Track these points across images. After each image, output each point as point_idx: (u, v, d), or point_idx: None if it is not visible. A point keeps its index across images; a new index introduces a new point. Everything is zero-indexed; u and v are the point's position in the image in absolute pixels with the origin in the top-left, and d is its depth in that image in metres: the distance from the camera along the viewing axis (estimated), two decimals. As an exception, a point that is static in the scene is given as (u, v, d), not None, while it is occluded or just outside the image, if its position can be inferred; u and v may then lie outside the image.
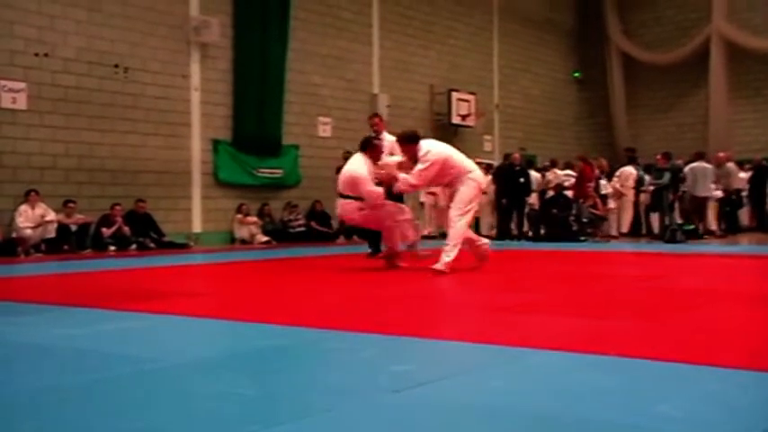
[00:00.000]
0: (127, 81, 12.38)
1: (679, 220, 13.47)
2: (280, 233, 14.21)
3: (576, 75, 23.08)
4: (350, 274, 7.55)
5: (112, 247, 11.74)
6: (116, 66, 12.24)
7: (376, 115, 9.69)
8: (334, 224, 14.56)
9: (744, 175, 15.87)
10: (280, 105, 14.59)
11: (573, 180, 14.56)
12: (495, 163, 18.28)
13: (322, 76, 15.54)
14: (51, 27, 11.55)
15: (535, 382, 2.68)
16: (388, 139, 8.99)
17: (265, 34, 14.28)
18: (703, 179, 13.87)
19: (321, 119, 15.54)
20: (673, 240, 12.40)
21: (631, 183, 14.89)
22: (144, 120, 12.63)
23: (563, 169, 15.44)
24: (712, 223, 14.74)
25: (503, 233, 14.35)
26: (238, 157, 14.03)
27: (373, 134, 9.12)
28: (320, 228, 14.65)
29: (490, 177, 15.67)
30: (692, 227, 13.49)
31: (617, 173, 15.40)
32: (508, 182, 14.33)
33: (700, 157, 14.26)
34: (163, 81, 12.91)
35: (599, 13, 22.30)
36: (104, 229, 11.79)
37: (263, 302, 5.38)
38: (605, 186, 14.95)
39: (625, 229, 14.97)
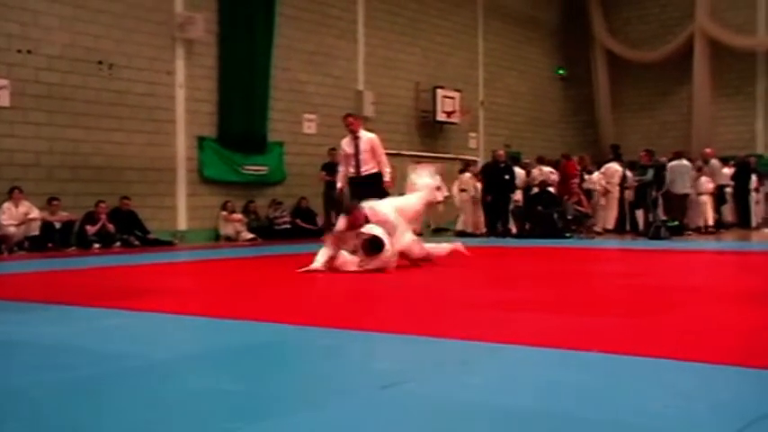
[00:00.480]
0: (111, 78, 12.30)
1: (663, 217, 13.58)
2: (265, 230, 14.18)
3: (561, 72, 23.19)
4: (336, 271, 7.55)
5: (97, 245, 11.67)
6: (100, 62, 12.15)
7: (349, 115, 9.65)
8: (319, 221, 14.59)
9: (727, 171, 16.01)
10: (265, 102, 14.54)
11: (556, 177, 14.67)
12: (479, 159, 18.37)
13: (307, 72, 15.52)
14: (35, 23, 11.44)
15: (521, 378, 2.70)
16: (366, 137, 9.05)
17: (251, 31, 14.22)
18: (681, 177, 14.06)
19: (306, 116, 15.52)
20: (657, 237, 12.49)
21: (617, 179, 15.00)
22: (129, 117, 12.56)
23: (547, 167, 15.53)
24: (709, 219, 14.81)
25: (489, 230, 14.41)
26: (223, 155, 13.98)
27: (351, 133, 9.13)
28: (305, 225, 14.64)
29: (468, 175, 15.79)
30: (675, 223, 13.60)
31: (602, 169, 15.50)
32: (493, 179, 14.37)
33: (679, 155, 14.46)
34: (148, 78, 12.84)
35: (583, 11, 22.39)
36: (89, 227, 11.71)
37: (249, 300, 5.37)
38: (594, 182, 15.05)
39: (610, 225, 15.06)
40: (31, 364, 3.11)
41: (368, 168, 9.00)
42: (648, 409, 2.22)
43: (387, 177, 9.07)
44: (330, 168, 14.64)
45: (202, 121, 13.72)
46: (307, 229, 14.50)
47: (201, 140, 13.68)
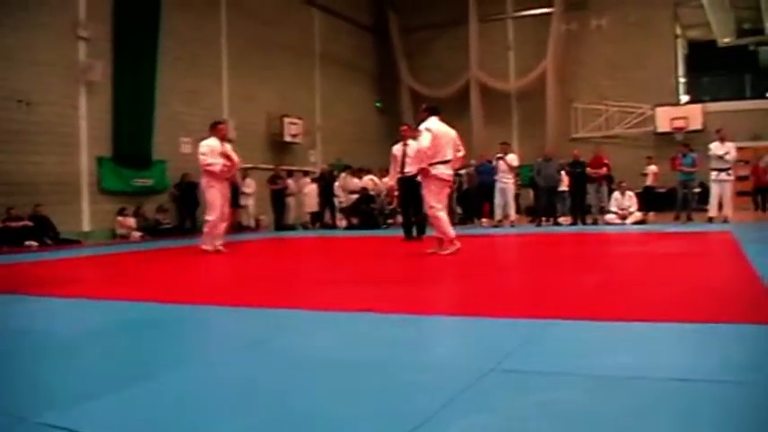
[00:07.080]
0: (29, 112, 12.67)
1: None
2: (152, 229, 14.82)
3: (377, 104, 24.41)
4: (212, 257, 7.63)
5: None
6: (20, 101, 12.55)
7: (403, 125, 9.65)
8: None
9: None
10: (150, 129, 15.09)
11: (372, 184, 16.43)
12: (317, 170, 19.64)
13: (184, 105, 16.01)
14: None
15: (354, 336, 2.84)
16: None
17: (138, 74, 14.77)
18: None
19: (183, 139, 15.98)
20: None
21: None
22: (43, 142, 12.91)
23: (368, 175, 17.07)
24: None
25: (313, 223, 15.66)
26: (118, 170, 14.50)
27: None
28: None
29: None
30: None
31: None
32: (326, 185, 15.84)
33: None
34: (58, 111, 13.22)
35: (394, 60, 23.99)
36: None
37: (142, 283, 5.25)
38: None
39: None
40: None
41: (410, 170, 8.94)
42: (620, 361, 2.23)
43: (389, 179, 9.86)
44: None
45: (101, 145, 14.12)
46: (186, 227, 15.35)
47: (100, 159, 14.13)
